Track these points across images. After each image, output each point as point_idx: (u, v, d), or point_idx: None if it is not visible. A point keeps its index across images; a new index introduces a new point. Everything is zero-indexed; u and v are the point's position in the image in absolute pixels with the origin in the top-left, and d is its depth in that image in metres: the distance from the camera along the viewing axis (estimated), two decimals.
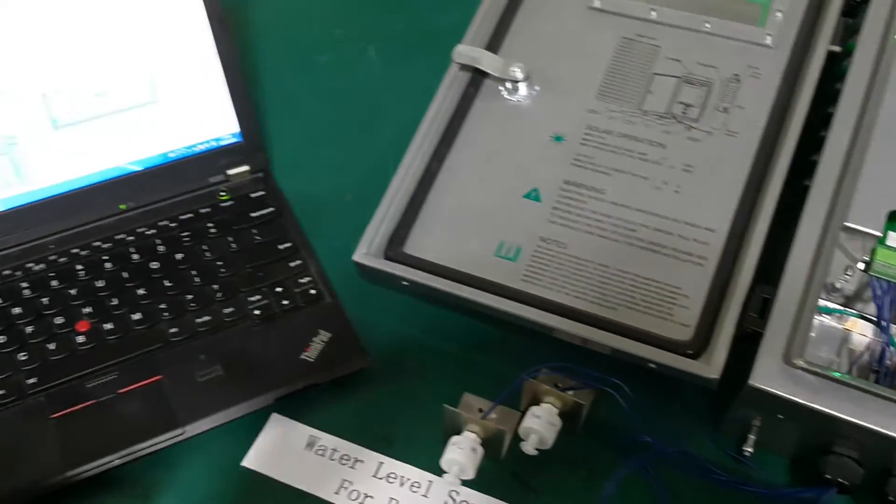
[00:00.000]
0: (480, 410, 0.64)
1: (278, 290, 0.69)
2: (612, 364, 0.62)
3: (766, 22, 0.71)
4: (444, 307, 0.68)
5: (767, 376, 0.56)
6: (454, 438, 0.61)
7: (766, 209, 0.63)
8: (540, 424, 0.62)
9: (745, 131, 0.68)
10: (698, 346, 0.60)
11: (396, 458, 0.63)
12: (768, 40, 0.71)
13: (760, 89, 0.69)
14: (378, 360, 0.67)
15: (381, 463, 0.63)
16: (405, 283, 0.66)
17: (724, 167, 0.66)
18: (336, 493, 0.62)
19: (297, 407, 0.65)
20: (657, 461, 0.62)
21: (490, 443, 0.62)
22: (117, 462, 0.61)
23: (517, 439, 0.63)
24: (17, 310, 0.67)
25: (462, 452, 0.61)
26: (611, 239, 0.65)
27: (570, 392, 0.63)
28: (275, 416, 0.65)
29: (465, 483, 0.62)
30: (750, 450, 0.61)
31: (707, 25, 0.72)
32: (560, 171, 0.68)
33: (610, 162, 0.68)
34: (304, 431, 0.64)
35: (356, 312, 0.69)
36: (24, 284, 0.69)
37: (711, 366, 0.58)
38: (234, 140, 0.76)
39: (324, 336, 0.67)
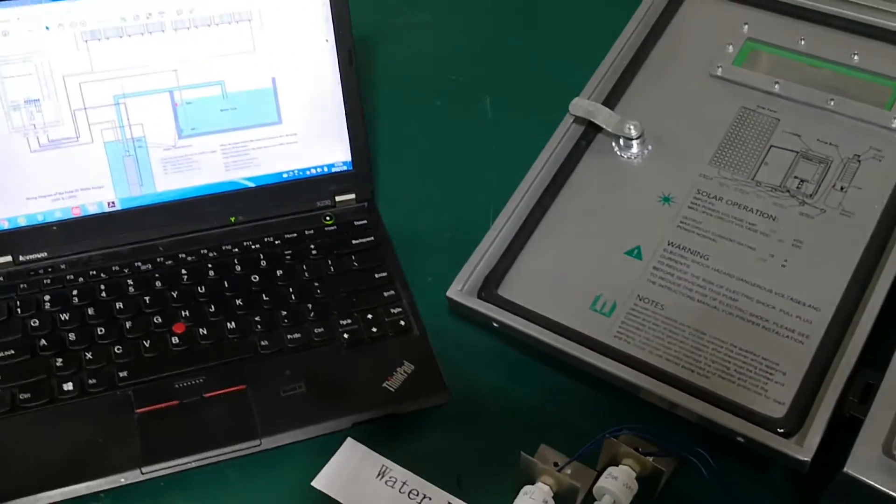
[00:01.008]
0: (556, 464, 0.63)
1: (369, 316, 0.70)
2: (699, 433, 0.60)
3: (893, 106, 0.70)
4: (531, 355, 0.68)
5: (865, 466, 0.53)
6: (526, 488, 0.60)
7: (878, 292, 0.61)
8: (616, 486, 0.60)
9: (861, 212, 0.66)
10: (792, 425, 0.58)
11: (465, 501, 0.62)
12: (895, 124, 0.69)
13: (881, 172, 0.67)
14: (458, 399, 0.67)
15: (450, 503, 0.62)
16: (496, 324, 0.65)
17: (836, 246, 0.64)
18: None
19: (373, 435, 0.65)
20: None
21: (562, 498, 0.60)
22: (193, 464, 0.62)
23: (590, 498, 0.61)
24: (119, 304, 0.70)
25: (533, 503, 0.59)
26: (710, 305, 0.64)
27: (651, 457, 0.61)
28: (350, 441, 0.65)
29: None
30: None
31: (831, 103, 0.71)
32: (665, 231, 0.67)
33: (717, 228, 0.67)
34: (377, 460, 0.64)
35: (442, 349, 0.69)
36: (130, 282, 0.71)
37: (804, 447, 0.56)
38: (344, 168, 0.77)
39: (407, 367, 0.67)
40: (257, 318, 0.69)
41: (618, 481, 0.60)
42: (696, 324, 0.63)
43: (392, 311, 0.71)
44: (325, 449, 0.64)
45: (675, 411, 0.60)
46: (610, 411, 0.65)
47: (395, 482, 0.63)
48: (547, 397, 0.68)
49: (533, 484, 0.61)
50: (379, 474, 0.64)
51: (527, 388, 0.68)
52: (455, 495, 0.63)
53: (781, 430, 0.57)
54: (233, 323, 0.69)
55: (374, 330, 0.69)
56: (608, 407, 0.65)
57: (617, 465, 0.61)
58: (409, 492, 0.63)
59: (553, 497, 0.60)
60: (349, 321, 0.70)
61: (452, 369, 0.68)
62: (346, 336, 0.69)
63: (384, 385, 0.66)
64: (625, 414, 0.64)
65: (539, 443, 0.63)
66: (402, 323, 0.70)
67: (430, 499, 0.62)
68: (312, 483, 0.63)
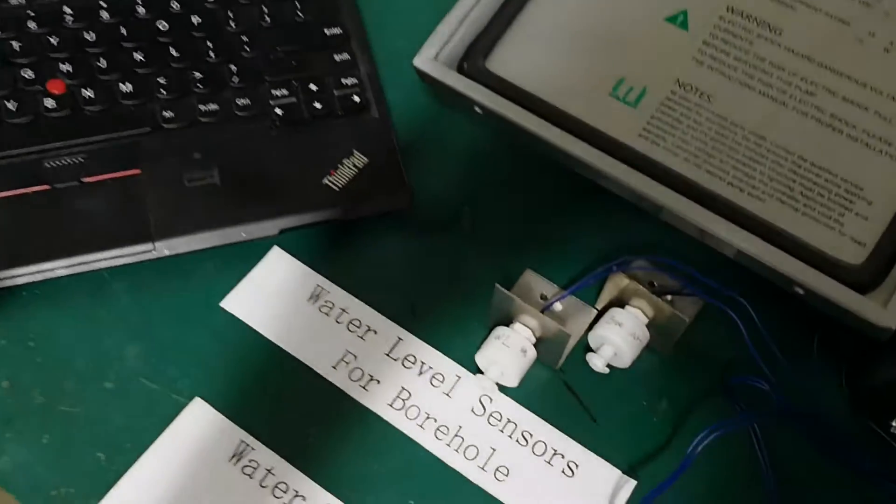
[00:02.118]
0: (543, 298, 0.47)
1: (312, 87, 0.52)
2: (739, 275, 0.44)
3: None
4: (523, 153, 0.51)
5: None
6: (500, 330, 0.45)
7: None
8: (619, 334, 0.45)
9: None
10: (872, 274, 0.42)
11: (421, 339, 0.47)
12: None
13: None
14: (423, 205, 0.50)
15: (401, 339, 0.47)
16: (478, 108, 0.48)
17: None
18: (334, 367, 0.47)
19: (307, 245, 0.50)
20: (771, 420, 0.44)
21: (547, 345, 0.46)
22: (65, 270, 0.47)
23: (584, 347, 0.47)
24: None
25: (507, 352, 0.44)
26: (777, 101, 0.46)
27: (669, 298, 0.46)
28: (276, 251, 0.50)
29: (504, 390, 0.46)
30: None
31: None
32: None
33: None
34: (311, 279, 0.49)
35: (407, 139, 0.52)
36: None
37: (888, 310, 0.40)
38: None
39: (358, 159, 0.51)
40: (162, 80, 0.52)
41: (623, 329, 0.45)
42: (755, 125, 0.45)
43: (344, 81, 0.53)
44: (241, 261, 0.49)
45: (710, 242, 0.44)
46: (623, 237, 0.49)
47: (331, 308, 0.48)
48: (541, 211, 0.51)
49: (509, 326, 0.46)
50: (311, 297, 0.49)
51: (515, 198, 0.52)
52: (408, 329, 0.48)
53: (858, 282, 0.41)
54: (129, 84, 0.52)
55: (318, 106, 0.52)
56: (623, 229, 0.49)
57: (623, 308, 0.46)
58: (349, 322, 0.48)
59: (535, 343, 0.45)
60: (285, 91, 0.52)
61: (418, 166, 0.51)
62: (278, 111, 0.51)
63: (326, 181, 0.50)
64: (643, 241, 0.48)
65: (525, 268, 0.48)
66: (357, 99, 0.52)
67: (377, 333, 0.48)
68: (221, 303, 0.48)
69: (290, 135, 0.51)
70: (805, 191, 0.44)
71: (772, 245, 0.43)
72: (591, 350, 0.46)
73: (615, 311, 0.46)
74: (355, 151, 0.51)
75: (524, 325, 0.45)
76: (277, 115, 0.52)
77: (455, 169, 0.52)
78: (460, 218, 0.51)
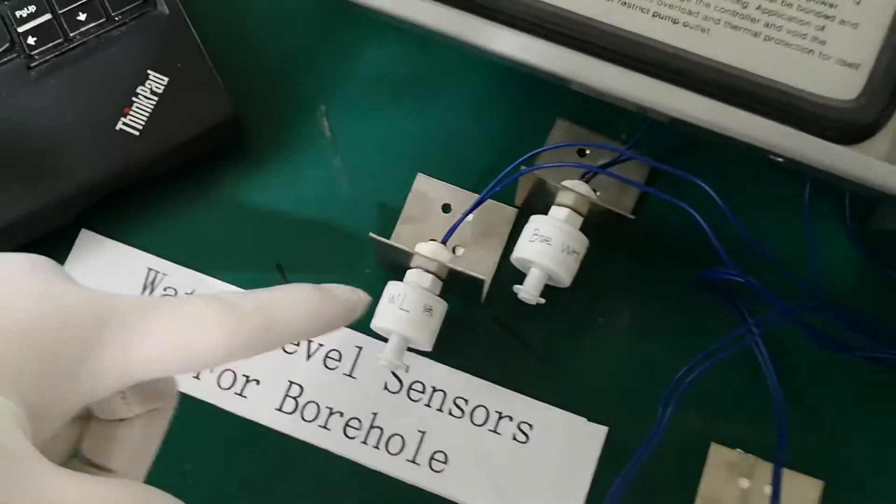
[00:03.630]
0: (446, 210, 0.36)
1: None
2: (697, 148, 0.32)
3: None
4: (379, 22, 0.37)
5: None
6: (393, 288, 0.34)
7: None
8: (549, 254, 0.33)
9: None
10: (875, 110, 0.29)
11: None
12: None
13: None
14: (260, 125, 0.37)
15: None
16: None
17: None
18: (195, 376, 0.35)
19: (119, 220, 0.37)
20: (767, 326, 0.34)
21: (460, 283, 0.34)
22: None
23: (507, 276, 0.35)
24: None
25: (408, 318, 0.33)
26: None
27: (597, 193, 0.34)
28: (82, 242, 0.37)
29: (419, 352, 0.35)
30: None
31: None
32: None
33: None
34: (139, 263, 0.37)
35: (217, 39, 0.38)
36: None
37: None
38: None
39: (156, 82, 0.37)
40: None
41: (551, 246, 0.33)
42: None
43: None
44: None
45: (648, 113, 0.31)
46: (527, 116, 0.36)
47: (176, 294, 0.36)
48: (420, 101, 0.38)
49: (404, 274, 0.34)
50: (145, 287, 0.37)
51: (378, 86, 0.38)
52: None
53: (857, 125, 0.29)
54: None
55: (82, 17, 0.37)
56: (523, 108, 0.37)
57: (545, 214, 0.34)
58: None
59: (444, 283, 0.34)
60: (31, 8, 0.37)
61: (239, 73, 0.38)
62: (31, 40, 0.37)
63: (121, 125, 0.36)
64: (553, 115, 0.35)
65: (409, 175, 0.36)
66: None
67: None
68: None
69: (55, 71, 0.37)
70: (763, 2, 0.31)
71: (726, 102, 0.30)
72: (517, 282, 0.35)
73: (537, 221, 0.34)
74: (150, 72, 0.37)
75: (423, 270, 0.34)
76: (30, 45, 0.37)
77: (289, 63, 0.38)
78: (316, 123, 0.38)
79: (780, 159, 0.30)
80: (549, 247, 0.33)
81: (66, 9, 0.37)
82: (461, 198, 0.37)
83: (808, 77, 0.30)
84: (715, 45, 0.31)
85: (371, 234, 0.33)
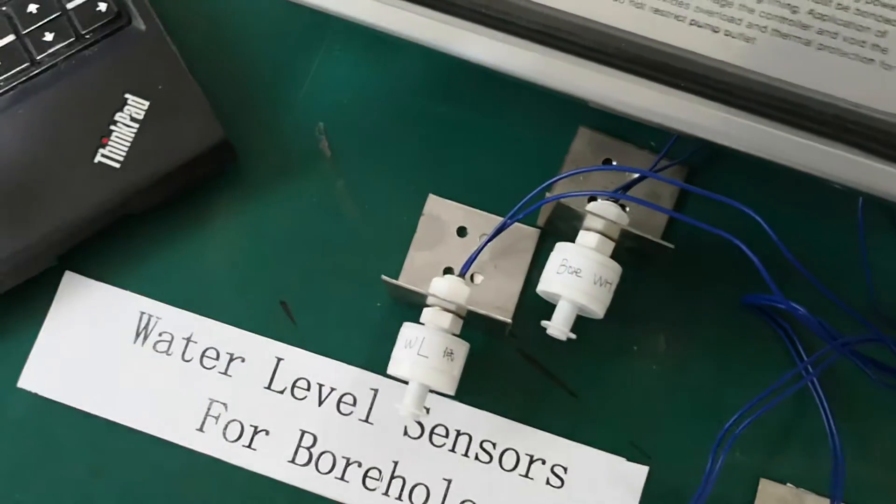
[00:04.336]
0: (461, 233, 0.33)
1: (32, 7, 0.34)
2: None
3: None
4: (379, 36, 0.33)
5: None
6: (409, 332, 0.31)
7: None
8: (580, 288, 0.30)
9: None
10: None
11: (309, 350, 0.33)
12: None
13: None
14: (255, 150, 0.34)
15: (281, 360, 0.33)
16: None
17: None
18: (199, 428, 0.33)
19: (107, 260, 0.34)
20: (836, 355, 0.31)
21: (482, 317, 0.31)
22: None
23: (533, 304, 0.32)
24: None
25: (427, 364, 0.30)
26: None
27: (627, 208, 0.31)
28: (67, 286, 0.34)
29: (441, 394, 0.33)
30: None
31: None
32: None
33: None
34: (130, 306, 0.34)
35: (201, 56, 0.34)
36: None
37: None
38: None
39: (136, 107, 0.33)
40: None
41: (582, 279, 0.30)
42: None
43: None
44: (24, 317, 0.34)
45: (663, 126, 0.28)
46: (550, 136, 0.33)
47: (170, 342, 0.34)
48: (428, 121, 0.35)
49: (417, 313, 0.31)
50: (138, 333, 0.34)
51: (382, 106, 0.35)
52: (287, 342, 0.33)
53: None
54: None
55: (49, 37, 0.34)
56: (544, 127, 0.33)
57: (571, 234, 0.31)
58: (202, 354, 0.34)
59: (465, 320, 0.31)
60: None
61: (227, 93, 0.34)
62: None
63: (100, 157, 0.33)
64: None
65: (420, 199, 0.33)
66: (104, 6, 0.34)
67: (244, 359, 0.34)
68: (19, 384, 0.33)
69: (22, 99, 0.33)
70: (815, 5, 0.27)
71: (773, 121, 0.27)
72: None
73: (565, 249, 0.31)
74: (129, 96, 0.33)
75: (441, 309, 0.31)
76: None
77: (281, 78, 0.35)
78: (315, 142, 0.35)
79: (838, 185, 0.27)
80: (579, 279, 0.30)
81: (30, 28, 0.34)
82: (477, 220, 0.34)
83: (869, 91, 0.27)
84: (761, 57, 0.27)
85: (383, 277, 0.30)
